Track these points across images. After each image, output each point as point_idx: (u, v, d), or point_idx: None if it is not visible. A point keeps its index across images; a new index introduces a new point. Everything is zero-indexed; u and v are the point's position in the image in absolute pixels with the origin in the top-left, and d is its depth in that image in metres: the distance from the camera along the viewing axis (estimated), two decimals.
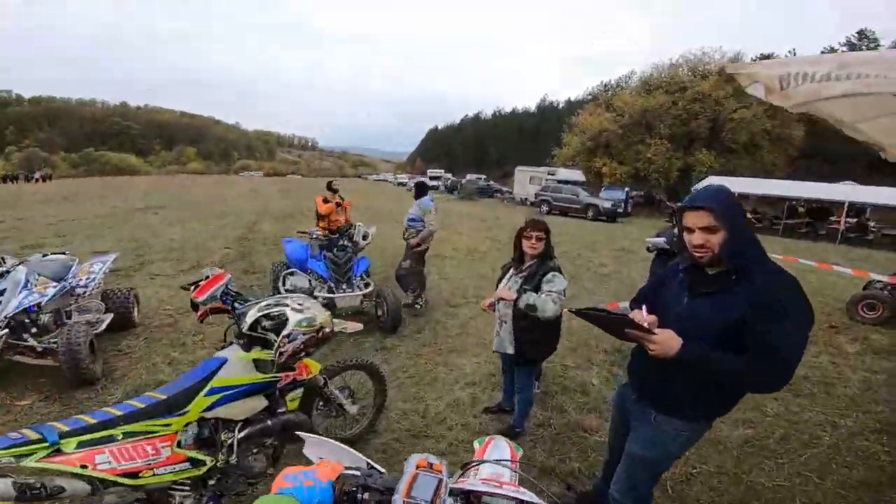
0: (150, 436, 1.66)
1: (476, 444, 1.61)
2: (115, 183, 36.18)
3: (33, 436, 1.47)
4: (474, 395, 3.61)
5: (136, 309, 4.70)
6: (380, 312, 4.71)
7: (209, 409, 1.82)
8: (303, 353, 2.07)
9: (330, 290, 4.61)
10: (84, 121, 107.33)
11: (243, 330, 2.01)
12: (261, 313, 2.03)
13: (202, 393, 1.80)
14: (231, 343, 2.09)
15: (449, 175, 44.64)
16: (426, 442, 2.98)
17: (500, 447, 1.56)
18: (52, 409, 3.22)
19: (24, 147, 73.84)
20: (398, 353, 4.32)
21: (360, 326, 2.78)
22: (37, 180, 39.25)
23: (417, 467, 1.01)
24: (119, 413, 1.65)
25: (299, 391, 2.25)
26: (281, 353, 1.95)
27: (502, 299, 2.69)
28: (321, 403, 2.58)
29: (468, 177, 36.48)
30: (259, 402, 2.03)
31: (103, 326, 4.07)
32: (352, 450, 1.25)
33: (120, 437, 1.59)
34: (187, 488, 1.80)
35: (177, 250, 8.45)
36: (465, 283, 6.97)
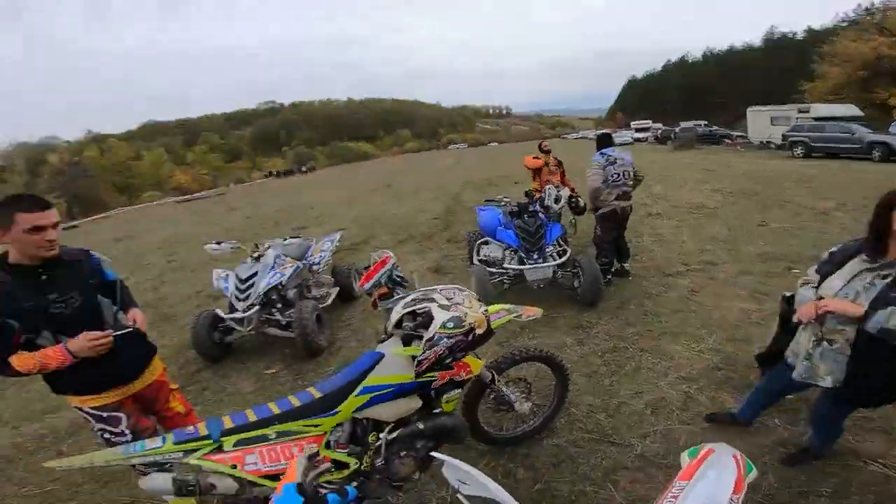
0: (299, 436, 1.64)
1: (686, 457, 1.19)
2: (355, 168, 44.02)
3: (203, 432, 1.55)
4: (688, 395, 2.88)
5: (356, 281, 5.18)
6: (576, 284, 4.30)
7: (360, 409, 1.75)
8: (450, 359, 1.82)
9: (520, 261, 4.40)
10: (327, 118, 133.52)
11: (388, 329, 1.88)
12: (406, 310, 1.85)
13: (354, 393, 1.73)
14: (391, 335, 1.95)
15: (658, 125, 39.43)
16: (610, 450, 2.47)
17: (724, 462, 1.12)
18: (287, 379, 3.72)
19: (294, 146, 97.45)
20: (594, 334, 3.81)
21: (537, 313, 2.34)
22: (304, 172, 50.83)
23: None
24: (277, 411, 1.66)
25: (457, 392, 2.03)
26: (420, 362, 1.73)
27: (830, 312, 1.73)
28: (491, 397, 2.38)
29: (682, 125, 31.22)
30: (412, 403, 1.88)
31: (330, 300, 4.65)
32: (490, 482, 1.04)
33: (273, 437, 1.60)
34: (332, 486, 1.77)
35: (396, 225, 9.60)
36: (688, 247, 5.86)
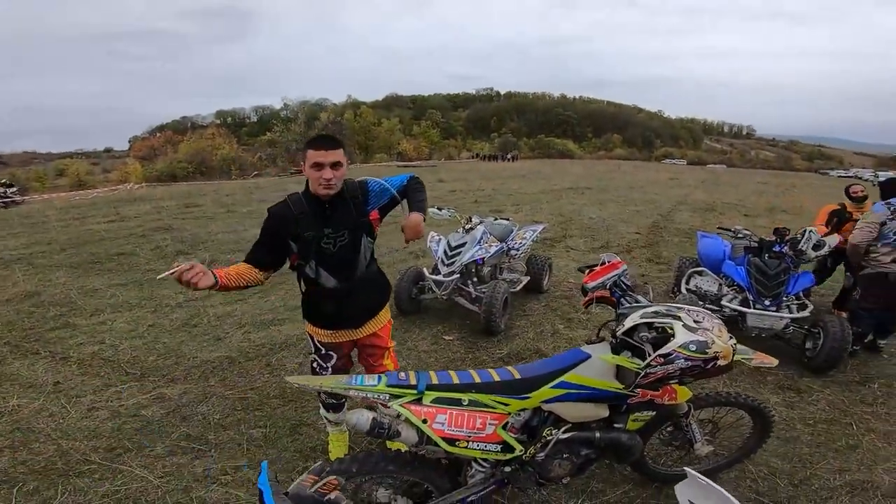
0: (486, 410, 1.67)
1: None
2: (557, 165, 43.72)
3: (412, 381, 1.64)
4: None
5: (547, 276, 5.30)
6: (809, 345, 3.57)
7: (550, 401, 1.75)
8: (676, 381, 1.72)
9: (744, 303, 3.81)
10: (538, 112, 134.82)
11: (619, 333, 1.80)
12: (643, 320, 1.76)
13: (550, 384, 1.73)
14: (602, 340, 1.92)
15: None
16: None
17: None
18: (460, 349, 3.92)
19: (502, 133, 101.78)
20: (812, 401, 3.19)
21: (772, 362, 2.07)
22: (508, 160, 52.70)
23: None
24: (478, 380, 1.72)
25: (649, 413, 1.90)
26: (648, 374, 1.66)
27: None
28: (668, 429, 2.20)
29: None
30: (600, 411, 1.81)
31: (520, 287, 4.75)
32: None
33: (465, 403, 1.65)
34: (487, 465, 1.81)
35: (592, 229, 9.31)
36: None
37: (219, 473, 2.39)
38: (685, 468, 1.27)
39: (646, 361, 1.65)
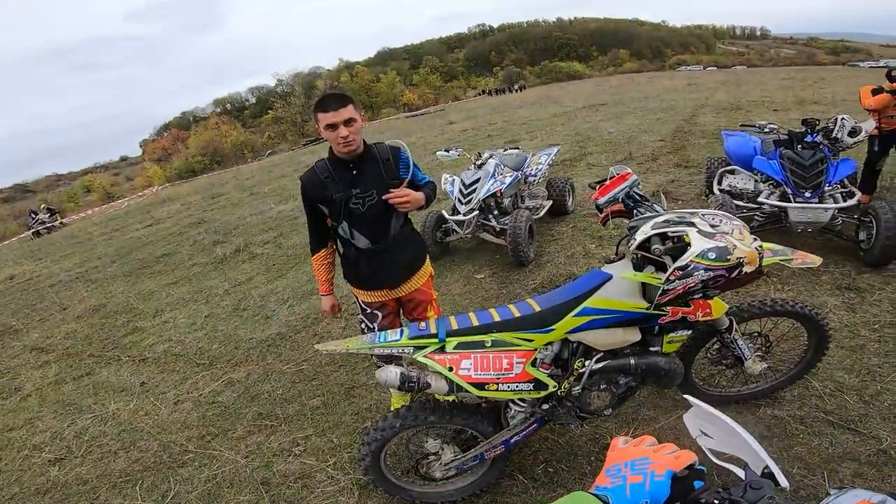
0: (511, 348, 1.62)
1: None
2: (567, 87, 41.55)
3: (432, 329, 1.63)
4: None
5: (570, 197, 5.25)
6: (863, 236, 3.40)
7: (575, 331, 1.65)
8: (700, 294, 1.58)
9: (783, 197, 3.65)
10: (536, 39, 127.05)
11: (631, 248, 1.67)
12: (655, 231, 1.60)
13: (573, 313, 1.63)
14: (623, 257, 1.79)
15: None
16: (844, 437, 2.01)
17: None
18: (493, 285, 3.96)
19: (504, 66, 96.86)
20: (875, 301, 3.00)
21: (816, 261, 1.83)
22: (516, 90, 50.38)
23: None
24: (497, 319, 1.66)
25: (685, 333, 1.77)
26: (665, 291, 1.52)
27: None
28: (716, 346, 2.08)
29: None
30: (631, 335, 1.70)
31: (543, 212, 4.75)
32: (751, 439, 0.91)
33: (488, 345, 1.61)
34: (525, 404, 1.79)
35: (612, 143, 9.01)
36: None
37: (291, 445, 2.60)
38: (686, 396, 1.24)
39: (665, 276, 1.52)
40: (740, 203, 3.95)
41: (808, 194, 3.52)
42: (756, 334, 2.12)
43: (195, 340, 4.18)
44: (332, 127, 1.78)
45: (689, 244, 1.51)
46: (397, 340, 1.62)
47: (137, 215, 14.24)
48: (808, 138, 3.76)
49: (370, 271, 2.08)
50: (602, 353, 1.71)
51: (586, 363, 1.69)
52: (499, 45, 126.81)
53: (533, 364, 1.65)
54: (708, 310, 1.75)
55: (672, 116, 11.72)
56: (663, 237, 1.63)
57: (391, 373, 1.59)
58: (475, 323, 1.65)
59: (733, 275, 1.51)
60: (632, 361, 1.71)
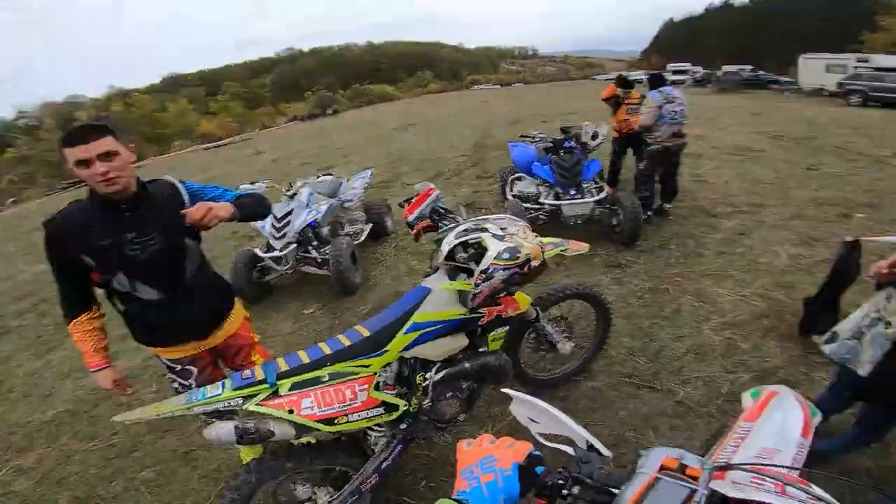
0: (350, 378, 1.58)
1: (747, 398, 1.13)
2: (380, 109, 43.02)
3: (259, 376, 1.50)
4: (730, 342, 2.78)
5: (389, 218, 5.27)
6: (615, 221, 4.18)
7: (409, 347, 1.68)
8: (504, 293, 1.74)
9: (557, 197, 4.29)
10: (348, 63, 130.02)
11: (436, 262, 1.79)
12: (457, 241, 1.74)
13: (402, 331, 1.65)
14: (437, 269, 1.87)
15: (698, 68, 36.99)
16: (649, 396, 2.42)
17: (789, 404, 1.06)
18: (325, 318, 3.76)
19: (316, 91, 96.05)
20: (634, 273, 3.72)
21: (584, 248, 2.20)
22: (329, 114, 50.04)
23: (661, 468, 0.73)
24: (329, 351, 1.60)
25: (503, 330, 1.96)
26: (475, 294, 1.64)
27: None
28: (532, 336, 2.31)
29: (725, 68, 29.23)
30: (459, 341, 1.79)
31: (363, 236, 4.66)
32: (569, 420, 0.97)
33: (326, 379, 1.54)
34: (382, 428, 1.77)
35: (423, 161, 9.53)
36: (733, 188, 5.60)
37: None
38: (503, 389, 1.26)
39: (472, 281, 1.63)
40: (528, 205, 4.46)
41: (573, 192, 4.19)
42: (559, 318, 2.39)
43: None
44: (84, 164, 1.45)
45: (486, 248, 1.64)
46: (219, 395, 1.44)
47: None
48: (566, 144, 4.48)
49: (166, 325, 1.75)
50: (439, 364, 1.77)
51: (427, 376, 1.74)
52: (309, 69, 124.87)
53: (377, 388, 1.64)
54: (516, 305, 1.93)
55: (471, 132, 13.00)
56: (465, 245, 1.75)
57: (222, 429, 1.42)
58: (306, 360, 1.58)
59: (525, 270, 1.66)
60: (466, 365, 1.80)
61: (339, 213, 4.70)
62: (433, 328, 1.69)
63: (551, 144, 4.57)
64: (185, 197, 1.72)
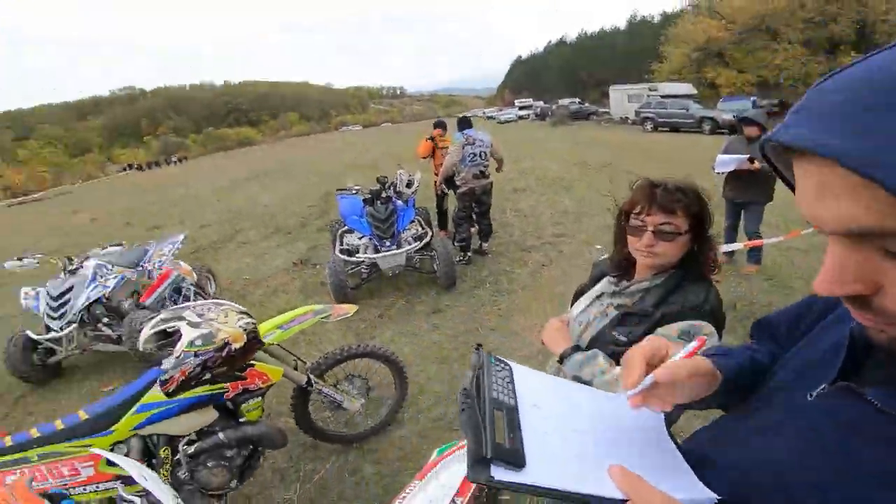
0: (68, 457, 1.60)
1: (434, 454, 1.24)
2: (233, 156, 40.37)
3: None
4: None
5: (211, 283, 4.84)
6: (435, 266, 4.32)
7: (141, 426, 1.70)
8: (206, 375, 1.73)
9: (375, 250, 4.29)
10: (201, 104, 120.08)
11: (140, 347, 1.78)
12: (153, 330, 1.76)
13: (131, 412, 1.68)
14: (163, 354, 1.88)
15: (539, 102, 42.65)
16: (452, 437, 2.46)
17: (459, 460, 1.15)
18: None
19: (160, 135, 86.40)
20: (451, 317, 3.84)
21: (349, 311, 2.30)
22: (174, 162, 45.56)
23: None
24: (36, 435, 1.60)
25: (257, 401, 1.99)
26: (166, 380, 1.66)
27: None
28: (322, 399, 2.32)
29: (559, 102, 34.11)
30: (206, 416, 1.82)
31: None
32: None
33: (35, 459, 1.56)
34: (139, 497, 1.71)
35: (265, 216, 8.99)
36: (542, 220, 6.23)
37: None
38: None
39: (170, 365, 1.67)
40: (349, 259, 4.37)
41: (388, 243, 4.22)
42: (351, 377, 2.43)
43: None
44: None
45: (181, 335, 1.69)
46: None
47: None
48: (384, 194, 4.54)
49: None
50: (190, 436, 1.78)
51: (182, 448, 1.76)
52: (153, 111, 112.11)
53: (109, 464, 1.62)
54: (265, 377, 1.93)
55: (324, 180, 12.78)
56: (166, 334, 1.79)
57: None
58: (9, 443, 1.59)
59: (224, 352, 1.70)
60: (221, 437, 1.81)
61: (145, 282, 4.23)
62: (166, 407, 1.72)
63: (369, 196, 4.60)
64: None
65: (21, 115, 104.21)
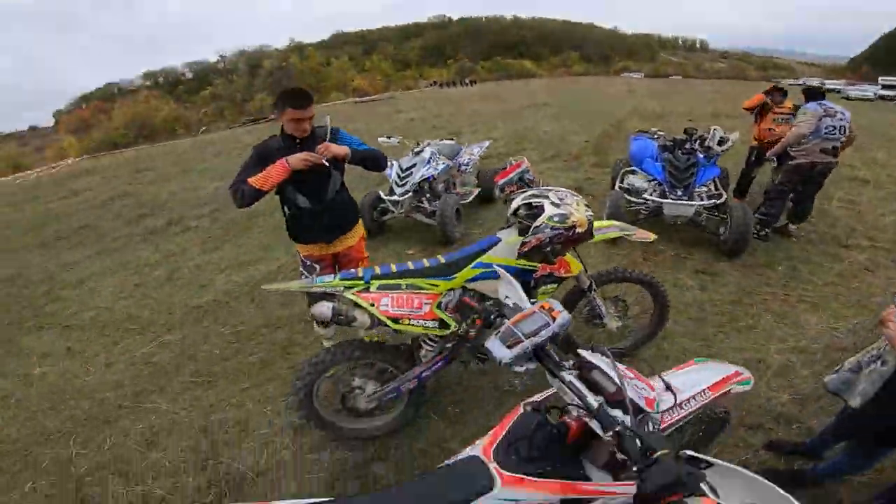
0: (421, 291, 1.97)
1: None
2: (516, 85, 42.66)
3: (360, 274, 1.95)
4: (789, 365, 2.72)
5: (497, 187, 5.84)
6: (722, 230, 4.13)
7: (472, 280, 2.03)
8: (549, 248, 1.96)
9: (662, 194, 4.30)
10: (492, 34, 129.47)
11: (508, 214, 2.14)
12: (523, 201, 2.09)
13: (470, 265, 2.03)
14: (511, 225, 2.19)
15: None
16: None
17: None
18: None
19: (458, 59, 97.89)
20: (723, 282, 3.69)
21: (649, 237, 2.43)
22: (467, 84, 51.14)
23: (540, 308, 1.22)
24: (412, 267, 2.02)
25: (553, 286, 2.26)
26: (524, 243, 1.95)
27: None
28: (586, 308, 2.53)
29: None
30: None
31: (471, 198, 5.29)
32: (778, 490, 1.08)
33: (404, 287, 1.95)
34: (434, 343, 2.12)
35: (545, 142, 9.73)
36: (883, 223, 4.98)
37: (229, 397, 2.78)
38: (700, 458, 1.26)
39: (506, 235, 2.03)
40: (632, 199, 4.54)
41: (679, 192, 4.20)
42: (616, 298, 2.63)
43: (124, 308, 4.15)
44: (298, 121, 2.18)
45: (543, 210, 1.99)
46: (331, 281, 1.94)
47: (51, 186, 13.13)
48: (687, 145, 4.47)
49: (308, 227, 2.45)
50: (493, 301, 2.04)
51: (486, 306, 1.98)
52: (455, 37, 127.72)
53: (439, 306, 2.00)
54: (568, 267, 2.26)
55: (604, 120, 12.64)
56: (529, 207, 2.09)
57: (324, 307, 1.88)
58: (394, 270, 2.02)
59: (570, 233, 1.95)
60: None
61: (454, 173, 5.36)
62: (493, 269, 2.00)
63: (671, 143, 4.57)
64: (328, 137, 2.35)
65: (369, 34, 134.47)
